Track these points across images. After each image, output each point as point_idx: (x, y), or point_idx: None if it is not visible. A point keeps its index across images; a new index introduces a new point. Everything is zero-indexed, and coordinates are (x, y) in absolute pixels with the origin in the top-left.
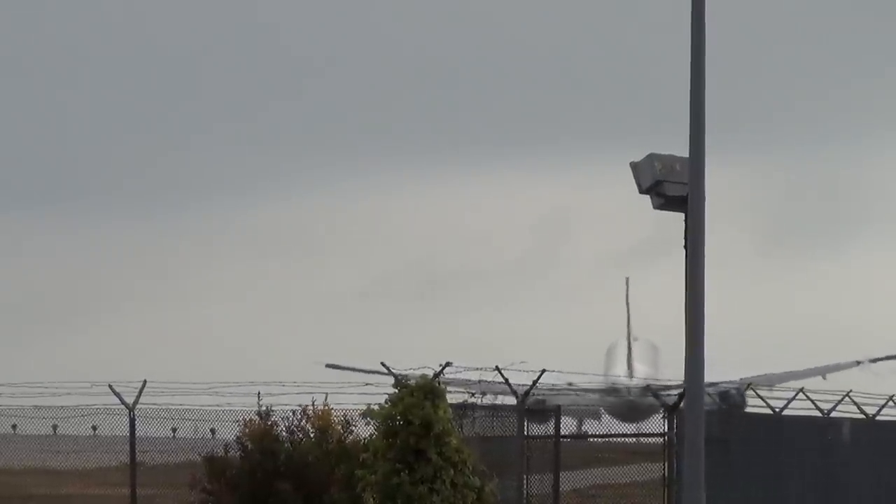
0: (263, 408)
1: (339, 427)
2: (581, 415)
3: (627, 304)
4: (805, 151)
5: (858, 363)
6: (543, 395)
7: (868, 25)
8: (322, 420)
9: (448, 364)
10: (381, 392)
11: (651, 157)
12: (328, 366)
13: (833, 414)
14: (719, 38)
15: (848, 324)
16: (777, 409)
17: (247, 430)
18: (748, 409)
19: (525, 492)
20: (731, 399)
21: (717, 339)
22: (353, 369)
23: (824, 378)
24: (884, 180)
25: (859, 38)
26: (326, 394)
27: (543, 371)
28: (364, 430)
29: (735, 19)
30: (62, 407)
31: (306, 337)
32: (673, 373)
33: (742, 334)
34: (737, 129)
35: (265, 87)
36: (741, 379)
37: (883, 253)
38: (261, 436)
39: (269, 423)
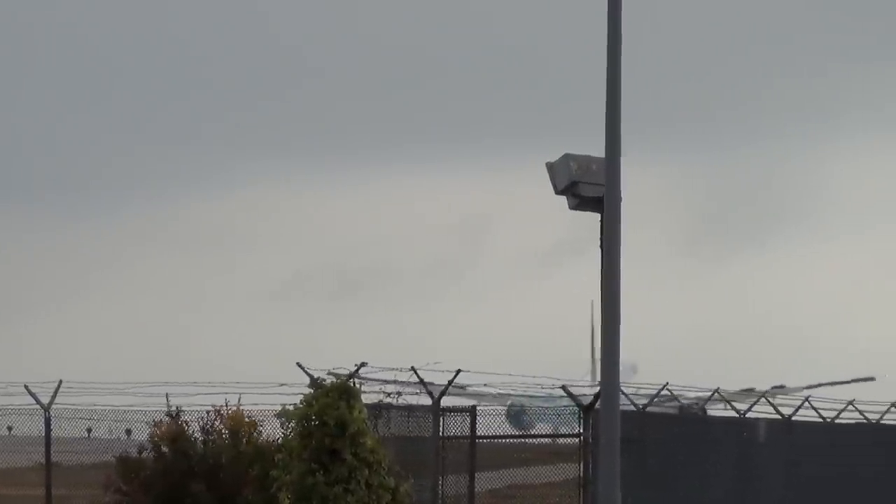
0: (173, 408)
1: (250, 428)
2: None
3: (592, 325)
4: (727, 151)
5: (869, 379)
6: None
7: (793, 24)
8: (233, 421)
9: (363, 364)
10: (296, 392)
11: (567, 158)
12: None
13: (749, 414)
14: (638, 36)
15: (772, 321)
16: (684, 408)
17: (157, 432)
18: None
19: (440, 492)
20: (690, 411)
21: (641, 339)
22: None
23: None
24: (805, 178)
25: (783, 37)
26: (239, 395)
27: (459, 371)
28: (275, 430)
29: (655, 17)
30: None
31: (221, 336)
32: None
33: (665, 334)
34: (659, 129)
35: (179, 84)
36: (762, 390)
37: (805, 249)
38: (174, 436)
39: (181, 423)
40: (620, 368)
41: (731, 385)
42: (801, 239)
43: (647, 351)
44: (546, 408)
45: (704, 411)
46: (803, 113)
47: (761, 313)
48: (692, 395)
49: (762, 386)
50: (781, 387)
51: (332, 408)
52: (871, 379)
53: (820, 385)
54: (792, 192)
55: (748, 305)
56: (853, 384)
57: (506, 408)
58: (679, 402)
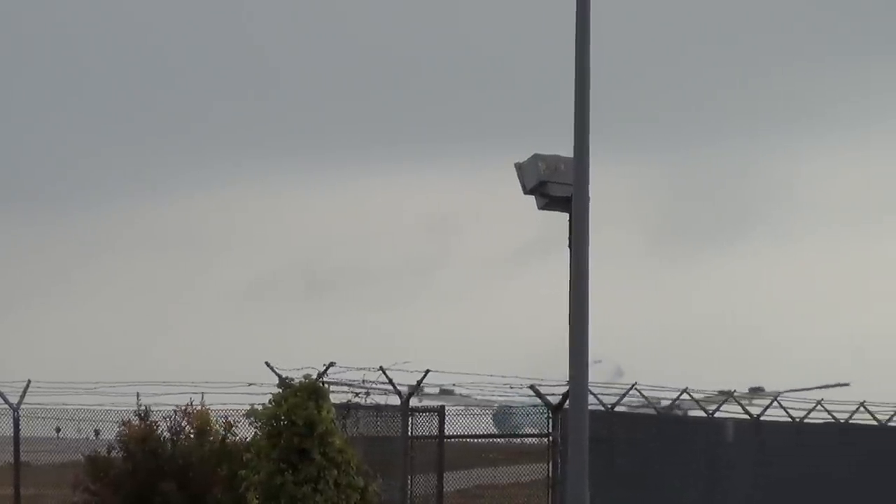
0: (142, 408)
1: (220, 427)
2: None
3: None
4: (698, 150)
5: (844, 385)
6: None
7: (761, 23)
8: (200, 420)
9: (332, 364)
10: (265, 392)
11: (535, 158)
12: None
13: (718, 414)
14: (607, 36)
15: (740, 321)
16: (660, 409)
17: (127, 431)
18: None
19: (409, 492)
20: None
21: (621, 340)
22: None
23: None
24: (778, 178)
25: (751, 37)
26: (203, 393)
27: (428, 371)
28: (247, 430)
29: (625, 16)
30: None
31: (192, 336)
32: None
33: (643, 334)
34: (628, 129)
35: (148, 85)
36: (740, 392)
37: (778, 249)
38: (143, 436)
39: (150, 423)
40: (609, 371)
41: (709, 386)
42: (773, 239)
43: (625, 352)
44: (513, 407)
45: (685, 412)
46: (774, 113)
47: (737, 313)
48: (663, 395)
49: (740, 387)
50: (760, 389)
51: (300, 407)
52: (846, 384)
53: (797, 390)
54: (765, 192)
55: (724, 305)
56: (829, 389)
57: (493, 409)
58: (653, 405)
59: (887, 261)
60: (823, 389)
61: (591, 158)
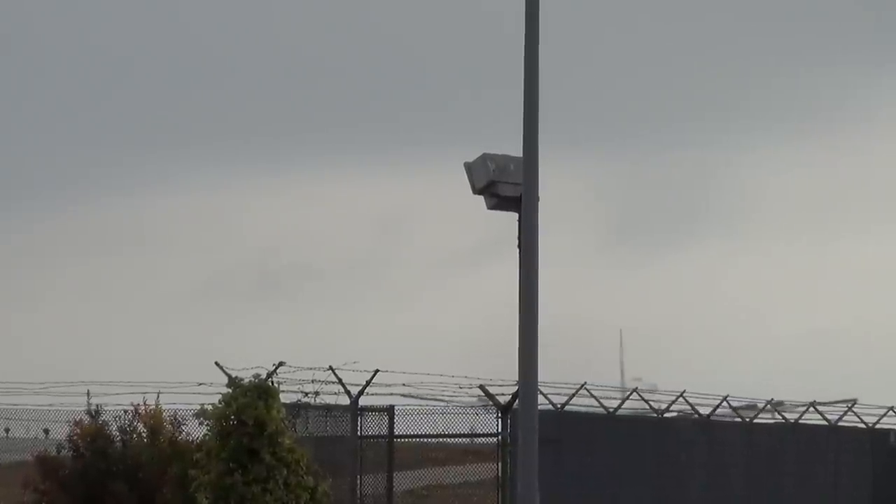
0: (93, 406)
1: (170, 427)
2: None
3: (621, 350)
4: (648, 152)
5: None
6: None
7: (711, 27)
8: (154, 420)
9: (281, 364)
10: (214, 392)
11: (484, 158)
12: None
13: (667, 414)
14: (556, 36)
15: (694, 323)
16: (610, 410)
17: (78, 430)
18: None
19: (359, 492)
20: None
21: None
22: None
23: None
24: (729, 182)
25: (703, 39)
26: (159, 393)
27: (377, 371)
28: (197, 430)
29: (573, 16)
30: None
31: (141, 336)
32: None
33: (591, 334)
34: (579, 130)
35: (97, 78)
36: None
37: (726, 253)
38: (93, 435)
39: (101, 422)
40: (643, 387)
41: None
42: (728, 240)
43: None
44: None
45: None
46: (727, 114)
47: (680, 314)
48: (616, 395)
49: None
50: (780, 403)
51: (250, 407)
52: (855, 400)
53: (815, 403)
54: (720, 194)
55: (681, 307)
56: (838, 404)
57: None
58: (602, 404)
59: (843, 261)
60: (833, 405)
61: (541, 158)
